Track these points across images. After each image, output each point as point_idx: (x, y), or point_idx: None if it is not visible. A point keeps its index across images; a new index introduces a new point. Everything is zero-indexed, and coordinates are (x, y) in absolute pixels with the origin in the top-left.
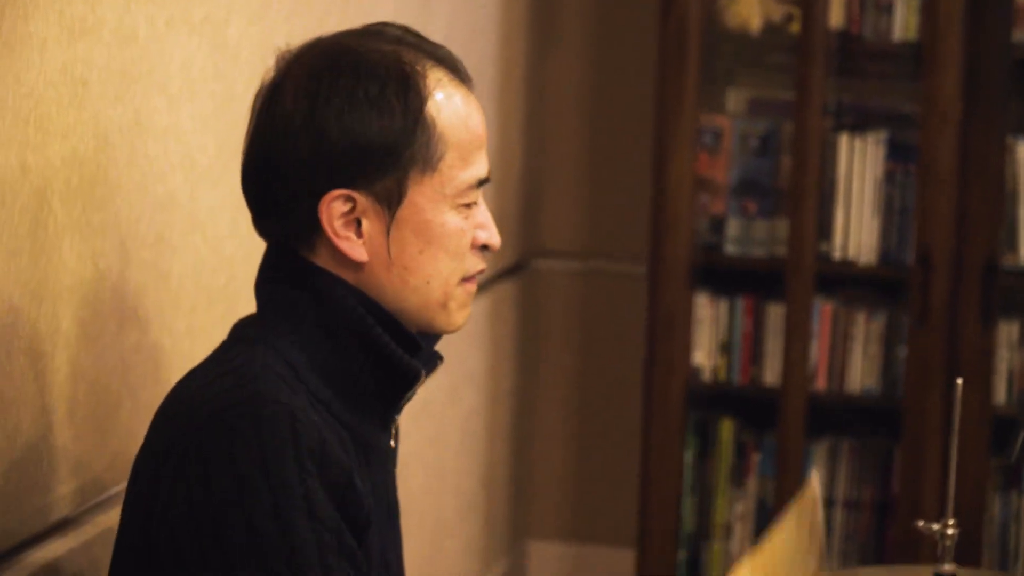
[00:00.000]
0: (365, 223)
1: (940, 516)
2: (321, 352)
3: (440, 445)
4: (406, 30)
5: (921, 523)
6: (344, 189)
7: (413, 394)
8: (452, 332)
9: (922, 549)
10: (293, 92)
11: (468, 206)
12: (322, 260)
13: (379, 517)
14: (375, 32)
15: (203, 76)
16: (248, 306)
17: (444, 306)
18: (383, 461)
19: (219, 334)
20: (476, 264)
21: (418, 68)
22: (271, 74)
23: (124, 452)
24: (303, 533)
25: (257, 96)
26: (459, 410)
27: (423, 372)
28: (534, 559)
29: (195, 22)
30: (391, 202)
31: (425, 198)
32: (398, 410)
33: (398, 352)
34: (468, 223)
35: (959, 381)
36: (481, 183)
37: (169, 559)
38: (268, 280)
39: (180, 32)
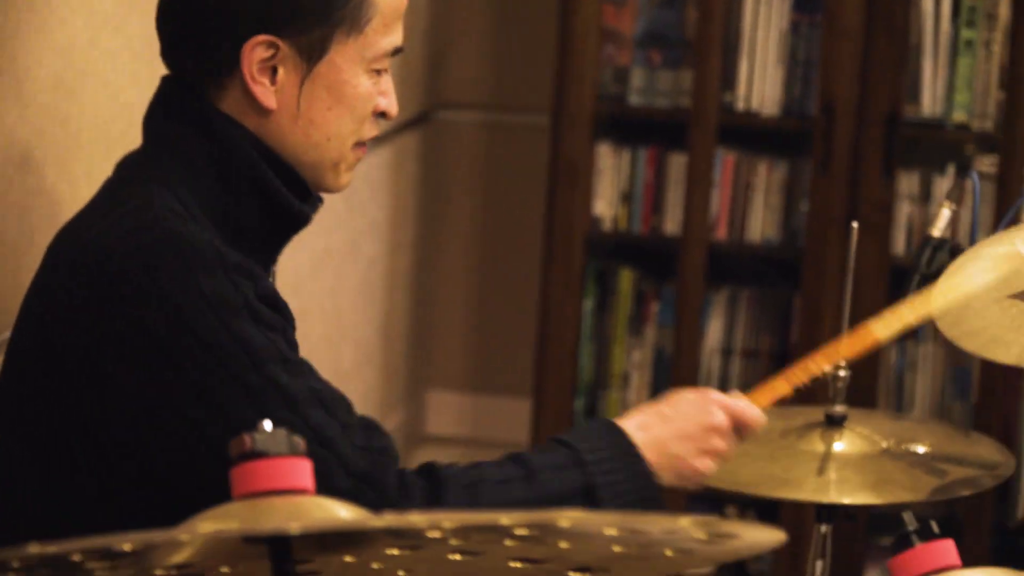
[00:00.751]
0: (281, 72)
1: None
2: (210, 192)
3: (339, 295)
4: None
5: None
6: (271, 36)
7: (294, 235)
8: (334, 192)
9: (818, 395)
10: None
11: (379, 72)
12: (226, 103)
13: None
14: None
15: None
16: None
17: (336, 166)
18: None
19: None
20: (371, 130)
21: None
22: None
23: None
24: (256, 337)
25: None
26: (359, 260)
27: (311, 215)
28: (433, 409)
29: None
30: (312, 56)
31: (344, 58)
32: (280, 251)
33: (289, 197)
34: (376, 88)
35: (854, 225)
36: (396, 51)
37: (124, 403)
38: (160, 116)
39: None
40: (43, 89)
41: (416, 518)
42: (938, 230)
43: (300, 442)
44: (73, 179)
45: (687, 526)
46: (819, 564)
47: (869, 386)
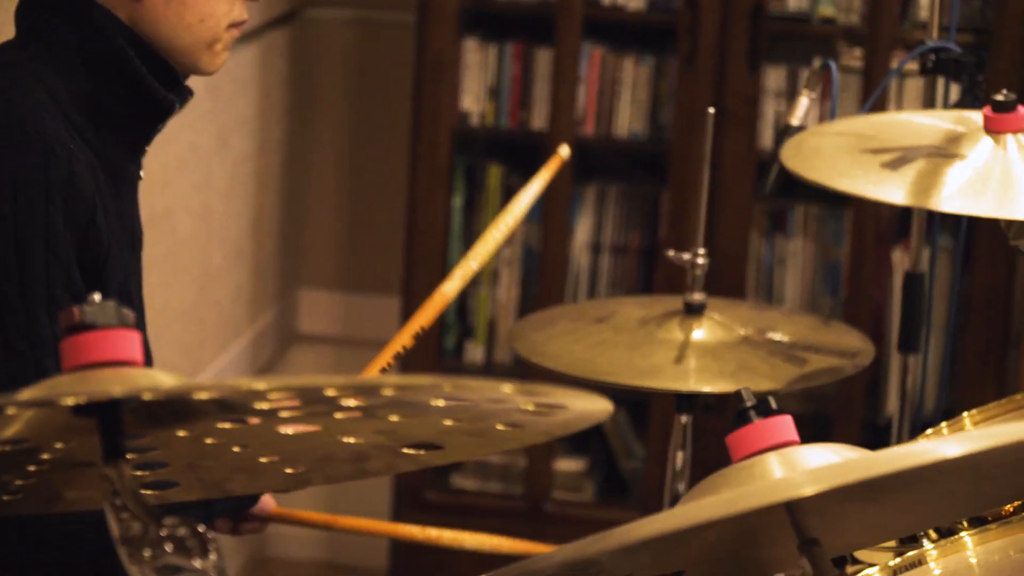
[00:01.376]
0: None
1: None
2: (78, 79)
3: (207, 191)
4: None
5: (672, 252)
6: None
7: (164, 125)
8: (210, 74)
9: (678, 284)
10: None
11: None
12: None
13: (123, 246)
14: None
15: None
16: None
17: (211, 46)
18: (131, 191)
19: None
20: (242, 12)
21: None
22: None
23: None
24: (37, 262)
25: None
26: (227, 157)
27: (176, 104)
28: (304, 307)
29: None
30: None
31: None
32: (149, 141)
33: (154, 83)
34: None
35: (711, 110)
36: None
37: None
38: (32, 7)
39: None
40: None
41: (239, 381)
42: (797, 119)
43: (129, 314)
44: None
45: (511, 393)
46: (680, 455)
47: (737, 281)
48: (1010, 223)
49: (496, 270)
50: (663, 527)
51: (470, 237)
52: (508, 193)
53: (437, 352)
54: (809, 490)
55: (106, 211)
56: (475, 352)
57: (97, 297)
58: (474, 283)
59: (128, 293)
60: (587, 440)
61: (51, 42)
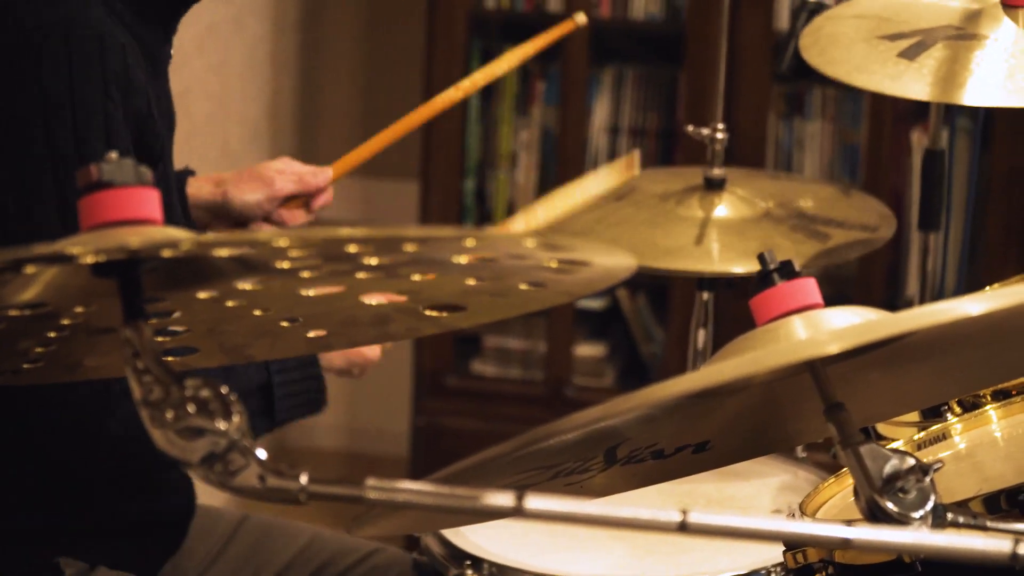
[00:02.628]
0: None
1: None
2: None
3: (224, 72)
4: None
5: (691, 127)
6: None
7: (193, 3)
8: None
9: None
10: None
11: None
12: None
13: (165, 128)
14: None
15: None
16: None
17: None
18: (165, 71)
19: None
20: None
21: None
22: None
23: None
24: (99, 156)
25: None
26: (243, 38)
27: None
28: None
29: None
30: None
31: None
32: (178, 18)
33: None
34: None
35: None
36: None
37: None
38: None
39: None
40: None
41: (259, 235)
42: None
43: (147, 172)
44: None
45: (533, 247)
46: (701, 332)
47: (756, 162)
48: None
49: (514, 152)
50: (687, 387)
51: (487, 120)
52: (525, 76)
53: None
54: (833, 348)
55: (150, 90)
56: None
57: (114, 155)
58: (491, 165)
59: (167, 175)
60: (607, 325)
61: None
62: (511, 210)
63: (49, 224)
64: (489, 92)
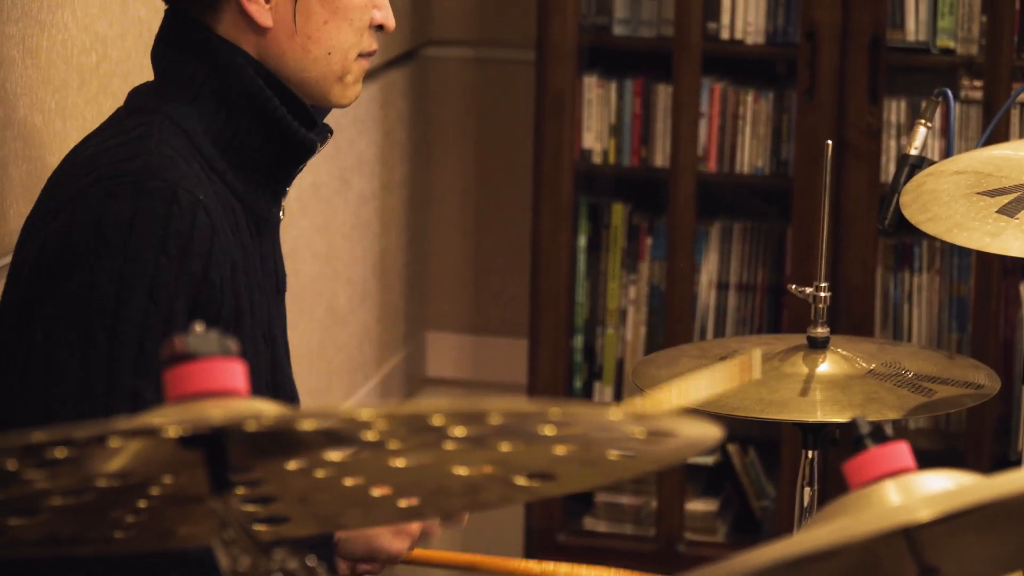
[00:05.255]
0: None
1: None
2: (217, 122)
3: (330, 232)
4: None
5: (794, 287)
6: None
7: (303, 166)
8: (344, 106)
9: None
10: None
11: None
12: (224, 27)
13: (266, 290)
14: None
15: None
16: (123, 86)
17: (341, 79)
18: (273, 233)
19: (92, 113)
20: (371, 43)
21: None
22: None
23: None
24: (135, 308)
25: None
26: (350, 197)
27: (317, 144)
28: (431, 350)
29: None
30: None
31: None
32: (289, 182)
33: (294, 124)
34: (369, 2)
35: (828, 143)
36: None
37: (18, 301)
38: (166, 48)
39: None
40: (10, 20)
41: (343, 410)
42: (915, 148)
43: (233, 344)
44: (46, 111)
45: (620, 418)
46: (807, 491)
47: (865, 316)
48: None
49: (623, 309)
50: (778, 556)
51: (595, 276)
52: (632, 232)
53: (565, 393)
54: (923, 515)
55: (247, 257)
56: (604, 393)
57: (199, 327)
58: (600, 323)
59: (273, 337)
60: (719, 481)
61: (189, 84)
62: (620, 367)
63: (71, 360)
64: (597, 247)
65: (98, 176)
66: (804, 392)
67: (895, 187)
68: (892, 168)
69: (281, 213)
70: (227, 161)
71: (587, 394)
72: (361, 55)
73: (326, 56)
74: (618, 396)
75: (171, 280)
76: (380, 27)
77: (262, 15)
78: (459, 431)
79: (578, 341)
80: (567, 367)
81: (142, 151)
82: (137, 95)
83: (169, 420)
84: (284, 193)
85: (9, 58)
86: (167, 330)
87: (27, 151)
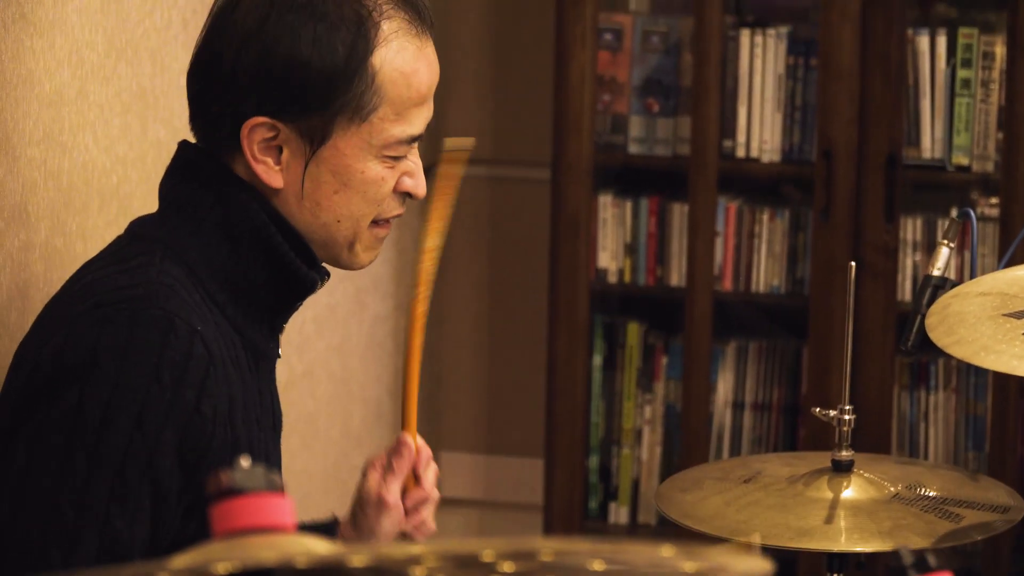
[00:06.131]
0: (285, 152)
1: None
2: (219, 255)
3: (345, 353)
4: None
5: (818, 410)
6: (269, 118)
7: (302, 303)
8: (354, 269)
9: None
10: (251, 8)
11: (396, 158)
12: (239, 169)
13: (264, 426)
14: None
15: None
16: (143, 207)
17: (351, 247)
18: (270, 368)
19: (112, 235)
20: (394, 208)
21: (375, 13)
22: None
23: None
24: (120, 433)
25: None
26: (364, 318)
27: (318, 282)
28: (445, 470)
29: None
30: (314, 140)
31: (349, 145)
32: (287, 318)
33: (296, 261)
34: (392, 172)
35: (852, 264)
36: (413, 140)
37: (5, 423)
38: (175, 177)
39: None
40: (33, 142)
41: (395, 548)
42: (937, 269)
43: (278, 479)
44: (67, 233)
45: (672, 556)
46: None
47: (881, 435)
48: None
49: (638, 428)
50: None
51: (610, 395)
52: (647, 351)
53: (581, 514)
54: None
55: (246, 392)
56: (619, 513)
57: (245, 462)
58: (616, 442)
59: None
60: None
61: (194, 216)
62: (636, 487)
63: (45, 479)
64: (612, 366)
65: (96, 302)
66: (830, 519)
67: (917, 307)
68: (909, 286)
69: (279, 350)
70: (228, 294)
71: (603, 515)
72: (377, 221)
73: (335, 223)
74: (634, 517)
75: (161, 409)
76: (408, 194)
77: (271, 177)
78: (508, 567)
79: (593, 461)
80: (583, 487)
81: (142, 280)
82: (140, 225)
83: (221, 558)
84: (282, 329)
85: (32, 181)
86: (151, 459)
87: (48, 274)
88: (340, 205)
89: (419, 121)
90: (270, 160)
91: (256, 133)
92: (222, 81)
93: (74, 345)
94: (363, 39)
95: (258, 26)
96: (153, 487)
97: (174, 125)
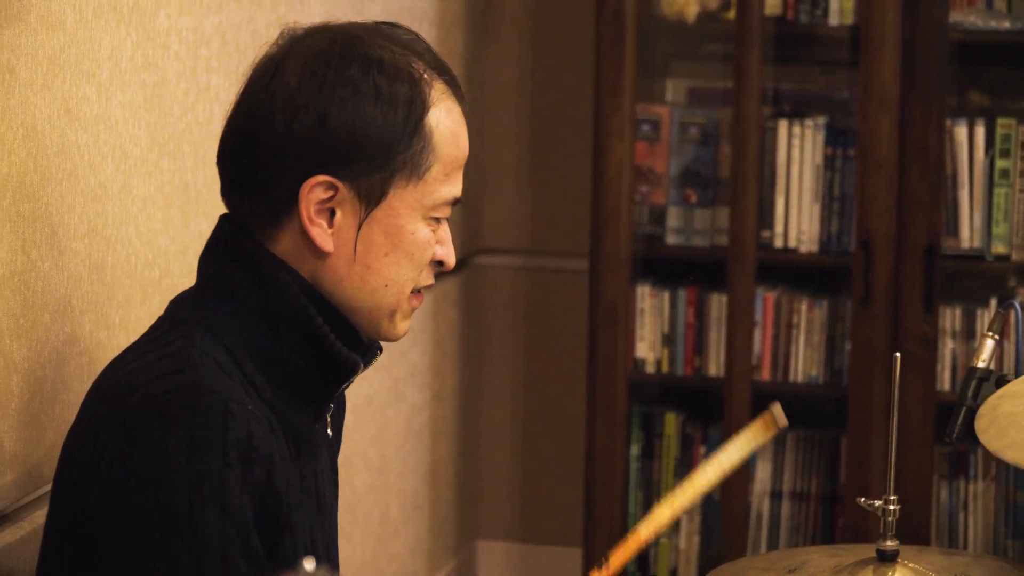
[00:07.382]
0: (339, 215)
1: None
2: (258, 338)
3: (383, 443)
4: (417, 37)
5: (863, 500)
6: (330, 177)
7: (348, 385)
8: (392, 340)
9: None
10: (299, 70)
11: (438, 220)
12: (282, 245)
13: (307, 509)
14: (387, 31)
15: (132, 66)
16: None
17: (392, 315)
18: (314, 451)
19: None
20: (428, 278)
21: (425, 76)
22: (272, 49)
23: (60, 445)
24: (211, 525)
25: (254, 68)
26: (402, 408)
27: (360, 364)
28: (482, 559)
29: (124, 11)
30: (371, 200)
31: (404, 204)
32: (332, 400)
33: (337, 344)
34: (434, 237)
35: (897, 355)
36: (455, 202)
37: (87, 535)
38: (213, 257)
39: (108, 20)
40: (77, 236)
41: None
42: (982, 361)
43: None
44: (110, 326)
45: None
46: None
47: (922, 525)
48: None
49: (676, 519)
50: None
51: (648, 486)
52: (685, 441)
53: None
54: None
55: (287, 472)
56: None
57: (309, 566)
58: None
59: (316, 557)
60: None
61: (232, 297)
62: None
63: None
64: (650, 456)
65: (145, 394)
66: None
67: (962, 399)
68: (948, 376)
69: (329, 430)
70: (267, 377)
71: None
72: (416, 291)
73: (383, 288)
74: None
75: (237, 490)
76: (439, 263)
77: (324, 240)
78: None
79: None
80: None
81: (187, 364)
82: (179, 305)
83: None
84: (329, 409)
85: (76, 275)
86: (244, 539)
87: (92, 367)
88: (390, 267)
89: (460, 183)
90: (323, 222)
91: (315, 193)
92: (275, 145)
93: (140, 448)
94: (420, 98)
95: (315, 88)
96: (250, 564)
97: (215, 218)
